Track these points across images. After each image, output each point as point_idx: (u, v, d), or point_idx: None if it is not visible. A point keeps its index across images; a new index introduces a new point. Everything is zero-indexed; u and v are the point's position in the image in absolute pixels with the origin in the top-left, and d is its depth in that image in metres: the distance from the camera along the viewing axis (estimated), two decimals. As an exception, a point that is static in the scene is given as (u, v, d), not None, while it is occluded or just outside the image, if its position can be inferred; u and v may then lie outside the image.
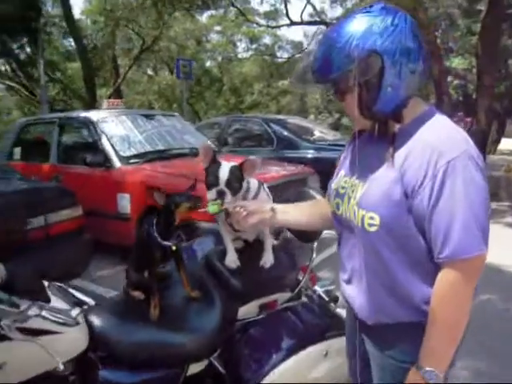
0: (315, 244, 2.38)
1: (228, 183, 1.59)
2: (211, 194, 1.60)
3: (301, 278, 2.33)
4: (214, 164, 1.65)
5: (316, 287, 2.52)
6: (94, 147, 5.25)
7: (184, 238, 2.09)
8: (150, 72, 27.78)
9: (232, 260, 1.92)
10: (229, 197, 1.60)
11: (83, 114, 5.82)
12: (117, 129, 5.46)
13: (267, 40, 27.93)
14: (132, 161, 5.08)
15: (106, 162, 5.03)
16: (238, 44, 29.03)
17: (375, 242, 1.21)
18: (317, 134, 7.96)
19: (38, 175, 5.69)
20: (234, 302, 1.85)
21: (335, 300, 2.53)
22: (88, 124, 5.43)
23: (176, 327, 1.68)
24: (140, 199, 4.50)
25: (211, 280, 1.93)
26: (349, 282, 1.38)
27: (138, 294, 1.91)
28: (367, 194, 1.23)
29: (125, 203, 4.74)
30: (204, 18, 25.01)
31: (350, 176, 1.34)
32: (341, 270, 1.44)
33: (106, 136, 5.22)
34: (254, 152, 7.24)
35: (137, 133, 5.55)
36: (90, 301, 1.58)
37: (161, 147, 5.53)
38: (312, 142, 7.37)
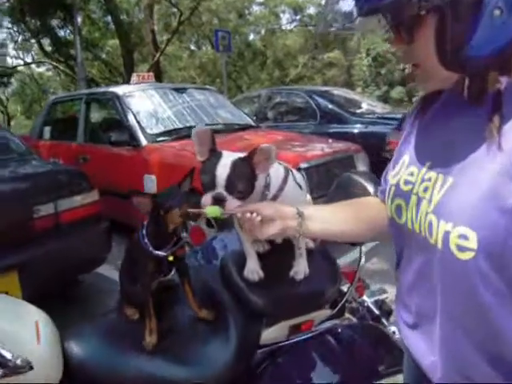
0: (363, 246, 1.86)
1: (229, 184, 1.15)
2: (206, 200, 1.15)
3: (345, 290, 1.79)
4: (213, 157, 1.20)
5: (364, 297, 2.07)
6: (120, 124, 4.87)
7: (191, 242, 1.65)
8: (192, 47, 27.41)
9: (253, 269, 1.50)
10: (232, 203, 1.16)
11: (109, 89, 5.44)
12: (144, 104, 5.05)
13: (312, 10, 26.80)
14: (160, 139, 4.65)
15: (131, 140, 4.63)
16: (282, 15, 28.15)
17: (468, 274, 0.76)
18: (364, 106, 7.25)
19: (64, 155, 5.45)
20: (255, 323, 1.47)
21: (388, 314, 1.99)
22: (113, 99, 5.03)
23: (178, 358, 1.31)
24: (167, 181, 4.07)
25: (226, 295, 1.53)
26: (414, 326, 0.95)
27: (131, 313, 1.51)
28: (454, 197, 0.79)
29: (151, 185, 4.33)
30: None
31: (420, 166, 0.90)
32: (399, 304, 1.02)
33: (132, 112, 4.80)
34: (295, 127, 6.70)
35: (166, 108, 5.12)
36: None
37: (192, 123, 5.07)
38: (359, 115, 6.68)
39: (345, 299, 1.77)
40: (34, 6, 13.06)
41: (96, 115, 5.86)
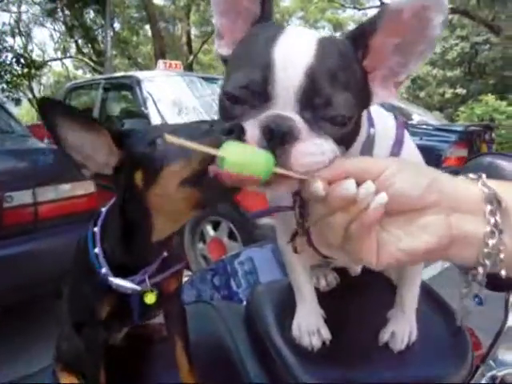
0: None
1: (312, 95, 0.54)
2: (250, 131, 0.53)
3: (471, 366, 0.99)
4: (260, 30, 0.62)
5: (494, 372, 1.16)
6: (138, 113, 4.18)
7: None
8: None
9: (310, 325, 0.86)
10: (310, 147, 0.54)
11: (129, 73, 4.78)
12: (167, 91, 4.35)
13: (352, 27, 26.28)
14: (182, 131, 3.91)
15: (148, 130, 3.91)
16: (321, 31, 27.65)
17: None
18: (416, 117, 6.39)
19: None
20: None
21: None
22: (133, 85, 4.36)
23: None
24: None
25: (253, 366, 0.86)
26: None
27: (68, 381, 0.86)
28: None
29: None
30: (287, 1, 24.02)
31: None
32: None
33: (153, 99, 4.11)
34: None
35: (192, 98, 4.41)
36: None
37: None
38: (411, 125, 5.82)
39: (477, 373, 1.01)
40: None
41: (114, 103, 5.22)
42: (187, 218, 0.73)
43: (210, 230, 3.30)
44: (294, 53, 0.54)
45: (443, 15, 0.54)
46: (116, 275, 0.70)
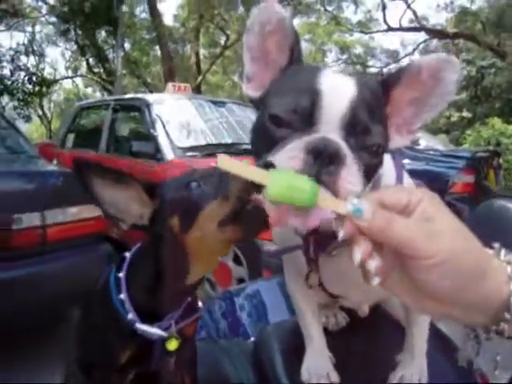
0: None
1: (357, 124, 0.58)
2: (292, 157, 0.55)
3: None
4: (299, 68, 0.67)
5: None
6: (147, 134, 4.23)
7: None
8: (235, 79, 27.43)
9: (318, 368, 0.85)
10: (352, 176, 0.56)
11: (138, 96, 4.85)
12: (176, 114, 4.40)
13: (359, 50, 26.46)
14: (189, 153, 3.95)
15: (156, 152, 3.95)
16: (328, 54, 27.87)
17: None
18: (423, 143, 6.40)
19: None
20: None
21: None
22: (143, 107, 4.41)
23: None
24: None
25: None
26: None
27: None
28: None
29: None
30: (295, 24, 24.24)
31: None
32: None
33: (161, 121, 4.15)
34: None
35: (200, 121, 4.46)
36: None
37: (228, 140, 4.39)
38: (418, 151, 5.81)
39: None
40: (80, 18, 13.13)
41: (123, 124, 5.27)
42: (218, 259, 0.74)
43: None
44: (339, 84, 0.59)
45: (456, 75, 0.59)
46: (141, 321, 0.70)
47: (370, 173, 0.59)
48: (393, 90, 0.63)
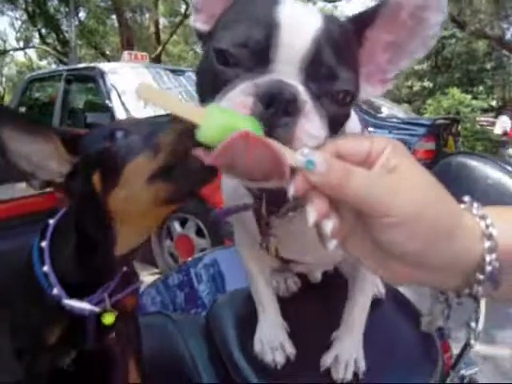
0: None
1: (320, 62, 0.48)
2: (242, 102, 0.45)
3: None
4: None
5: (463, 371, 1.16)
6: (102, 106, 4.03)
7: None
8: (197, 49, 26.82)
9: (272, 338, 0.80)
10: (311, 121, 0.46)
11: (93, 65, 4.61)
12: (132, 83, 4.20)
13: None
14: (147, 125, 3.79)
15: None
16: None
17: None
18: (385, 111, 6.43)
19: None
20: None
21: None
22: (97, 76, 4.20)
23: None
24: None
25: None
26: None
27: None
28: None
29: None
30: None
31: None
32: None
33: (117, 91, 3.97)
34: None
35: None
36: None
37: (189, 111, 4.24)
38: (381, 119, 5.84)
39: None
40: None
41: (77, 96, 5.02)
42: (154, 226, 0.65)
43: (177, 227, 3.21)
44: (303, 16, 0.48)
45: (442, 15, 0.50)
46: (69, 295, 0.62)
47: (335, 125, 0.50)
48: (366, 31, 0.54)
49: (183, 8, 17.25)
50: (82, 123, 4.05)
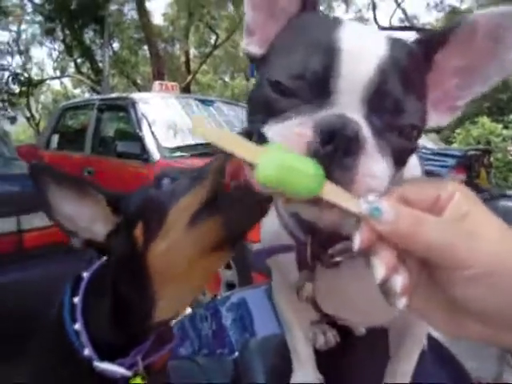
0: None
1: (386, 96, 0.43)
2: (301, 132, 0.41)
3: None
4: (314, 16, 0.51)
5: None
6: (132, 135, 4.11)
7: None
8: (226, 79, 27.30)
9: None
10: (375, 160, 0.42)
11: (124, 95, 4.73)
12: (162, 113, 4.30)
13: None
14: (176, 154, 3.85)
15: (142, 153, 3.84)
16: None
17: None
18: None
19: (69, 167, 4.73)
20: None
21: None
22: (128, 106, 4.30)
23: None
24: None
25: None
26: None
27: None
28: None
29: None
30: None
31: None
32: None
33: (147, 120, 4.05)
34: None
35: (188, 120, 4.34)
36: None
37: (217, 140, 4.27)
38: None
39: None
40: (66, 16, 12.94)
41: (108, 124, 5.15)
42: (200, 286, 0.61)
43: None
44: (365, 40, 0.44)
45: None
46: (101, 357, 0.58)
47: (399, 161, 0.46)
48: (437, 54, 0.49)
49: (213, 38, 17.74)
50: (112, 151, 4.12)
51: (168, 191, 0.53)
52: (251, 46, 0.55)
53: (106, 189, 0.59)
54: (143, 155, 3.84)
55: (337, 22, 0.46)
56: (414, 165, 0.59)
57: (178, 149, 3.93)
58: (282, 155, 0.38)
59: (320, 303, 0.66)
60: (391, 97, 0.43)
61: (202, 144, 4.11)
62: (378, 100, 0.42)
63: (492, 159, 6.54)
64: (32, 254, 2.28)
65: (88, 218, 0.57)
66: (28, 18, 16.95)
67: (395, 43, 0.45)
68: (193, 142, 4.08)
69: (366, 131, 0.41)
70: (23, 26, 17.89)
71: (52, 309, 0.68)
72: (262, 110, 0.47)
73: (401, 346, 0.73)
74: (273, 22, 0.53)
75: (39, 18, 16.05)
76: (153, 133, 3.98)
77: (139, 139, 3.95)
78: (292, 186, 0.37)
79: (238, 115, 4.95)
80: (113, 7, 14.54)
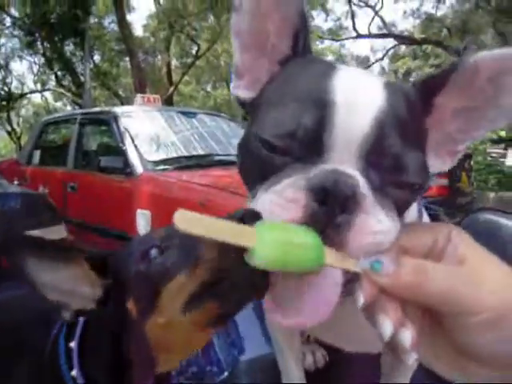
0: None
1: (381, 150, 0.40)
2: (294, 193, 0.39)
3: None
4: (307, 63, 0.48)
5: None
6: (115, 149, 4.10)
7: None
8: (208, 89, 27.33)
9: None
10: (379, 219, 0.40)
11: (106, 109, 4.71)
12: (145, 127, 4.28)
13: (330, 57, 26.90)
14: (160, 167, 3.84)
15: (125, 167, 3.82)
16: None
17: None
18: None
19: (52, 183, 4.68)
20: None
21: None
22: (110, 120, 4.27)
23: None
24: (165, 220, 3.22)
25: None
26: None
27: None
28: None
29: (144, 224, 3.48)
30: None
31: None
32: None
33: (130, 134, 4.03)
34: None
35: (171, 133, 4.35)
36: None
37: (200, 152, 4.29)
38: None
39: None
40: (46, 30, 12.88)
41: (91, 139, 5.11)
42: (198, 348, 0.61)
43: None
44: (361, 92, 0.42)
45: None
46: None
47: (404, 211, 0.44)
48: (436, 98, 0.47)
49: (194, 49, 17.79)
50: (95, 166, 4.09)
51: (158, 265, 0.51)
52: (240, 89, 0.52)
53: (90, 250, 0.57)
54: (126, 169, 3.81)
55: (330, 70, 0.44)
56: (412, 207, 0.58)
57: (162, 162, 3.92)
58: (278, 233, 0.37)
59: (314, 331, 0.66)
60: (390, 153, 0.41)
61: (185, 157, 4.12)
62: (376, 156, 0.41)
63: (472, 162, 6.67)
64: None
65: (73, 285, 0.55)
66: (7, 31, 16.83)
67: (392, 90, 0.44)
68: (176, 155, 4.09)
69: (363, 187, 0.40)
70: (2, 40, 17.74)
71: (40, 340, 0.66)
72: (254, 165, 0.45)
73: (394, 369, 0.74)
74: (263, 62, 0.51)
75: (18, 31, 15.95)
76: (136, 146, 3.96)
77: (122, 153, 3.92)
78: (294, 263, 0.36)
79: (221, 126, 4.97)
80: (93, 20, 14.54)
